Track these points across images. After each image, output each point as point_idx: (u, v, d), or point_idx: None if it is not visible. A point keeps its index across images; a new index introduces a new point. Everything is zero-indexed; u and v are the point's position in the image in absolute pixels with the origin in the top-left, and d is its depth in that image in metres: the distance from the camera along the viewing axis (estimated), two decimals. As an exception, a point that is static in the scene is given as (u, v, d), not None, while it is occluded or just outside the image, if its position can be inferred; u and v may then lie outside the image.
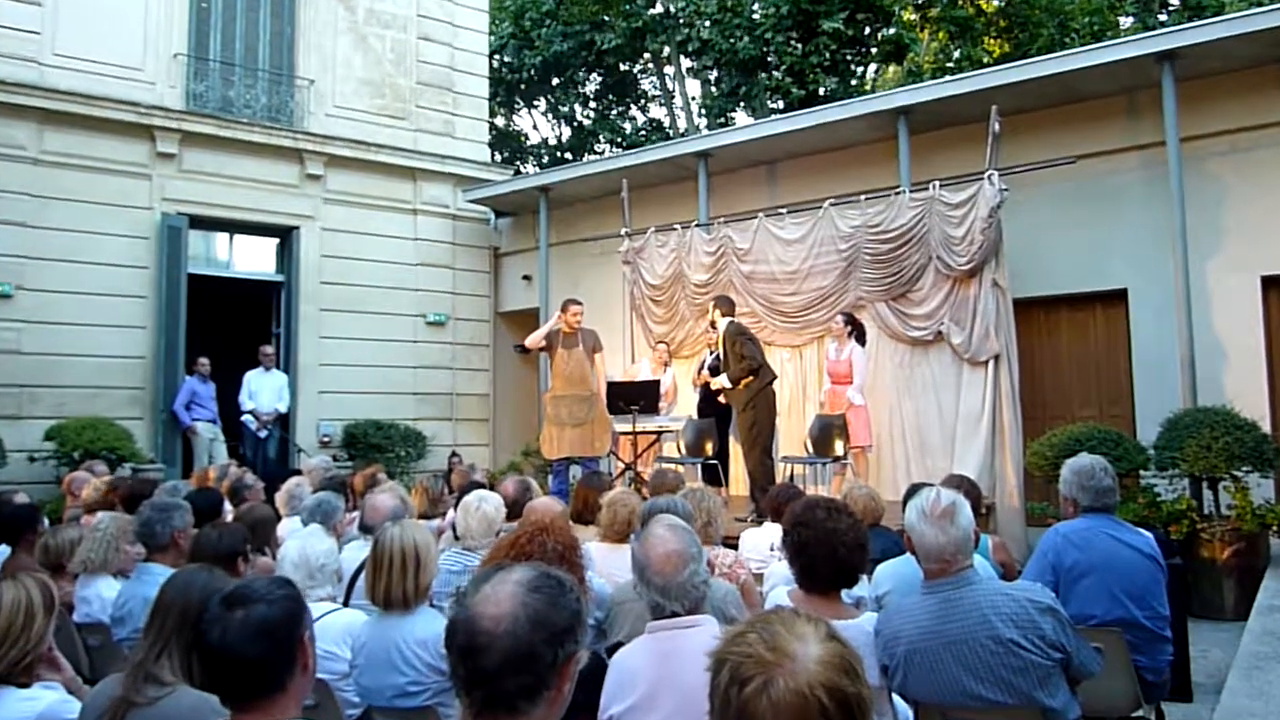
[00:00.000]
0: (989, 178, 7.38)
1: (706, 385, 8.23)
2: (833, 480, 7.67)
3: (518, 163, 21.15)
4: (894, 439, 8.07)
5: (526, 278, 12.41)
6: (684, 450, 8.26)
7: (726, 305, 7.19)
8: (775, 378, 7.22)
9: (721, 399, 7.27)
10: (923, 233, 7.83)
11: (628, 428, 7.88)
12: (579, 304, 7.67)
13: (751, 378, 6.86)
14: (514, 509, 4.18)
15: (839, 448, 7.42)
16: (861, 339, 7.85)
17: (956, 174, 7.97)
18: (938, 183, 7.80)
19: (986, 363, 7.49)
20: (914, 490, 3.09)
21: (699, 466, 7.96)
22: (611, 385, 7.91)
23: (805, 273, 8.56)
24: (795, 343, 8.81)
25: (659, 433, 8.40)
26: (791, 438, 8.59)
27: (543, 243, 11.44)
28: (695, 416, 8.58)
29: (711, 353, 8.52)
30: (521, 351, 13.13)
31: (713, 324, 7.30)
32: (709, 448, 8.08)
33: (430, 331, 11.99)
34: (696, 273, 9.34)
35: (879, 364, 8.22)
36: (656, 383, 8.41)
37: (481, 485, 5.10)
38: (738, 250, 9.03)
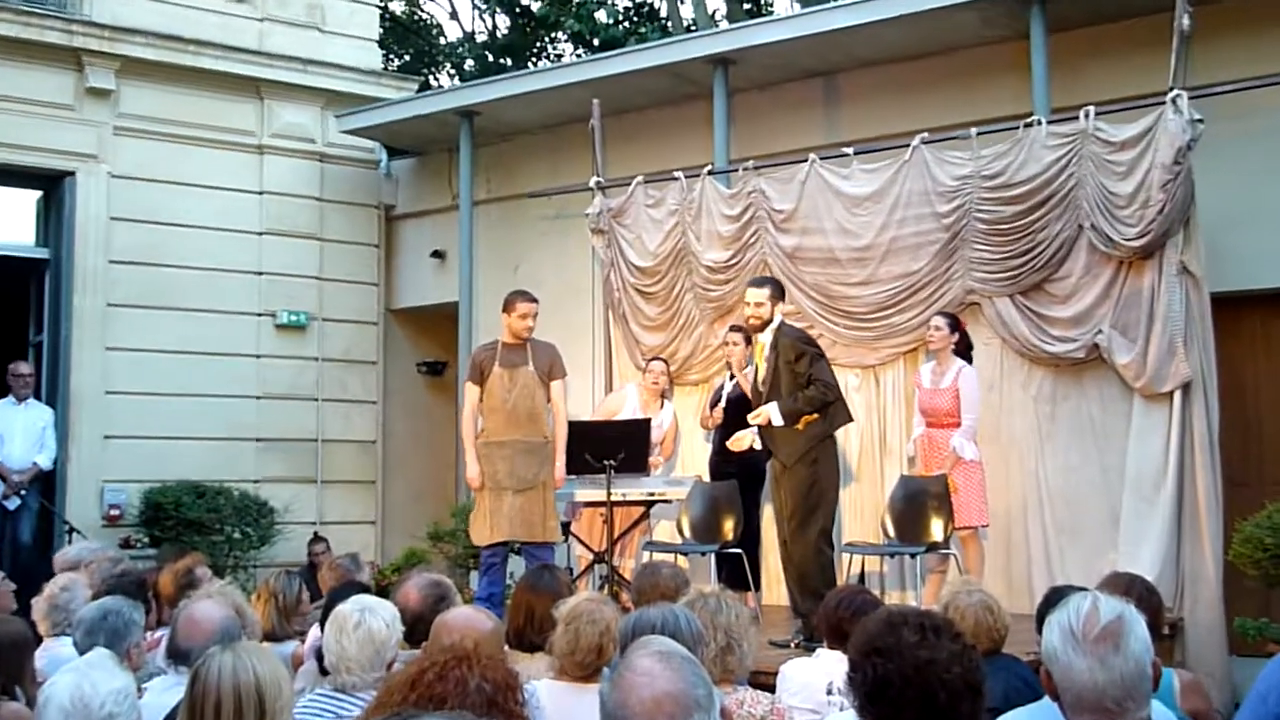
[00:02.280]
0: (1173, 101, 7.45)
1: (725, 428, 8.24)
2: (928, 582, 7.69)
3: (426, 72, 21.18)
4: (1025, 515, 8.11)
5: (438, 254, 12.47)
6: (689, 532, 8.29)
7: (777, 291, 7.25)
8: (850, 421, 7.26)
9: (750, 444, 7.27)
10: (1069, 188, 7.87)
11: (599, 495, 7.88)
12: (531, 301, 7.70)
13: (817, 415, 6.90)
14: (417, 626, 4.18)
15: (937, 529, 7.45)
16: (968, 355, 7.91)
17: (1121, 96, 8.04)
18: (1092, 109, 7.86)
19: (1171, 395, 7.55)
20: (1056, 597, 3.04)
21: (713, 558, 7.97)
22: (577, 427, 7.87)
23: (883, 249, 8.61)
24: (867, 361, 8.86)
25: (650, 503, 8.43)
26: (860, 513, 8.62)
27: (465, 199, 11.50)
28: (707, 477, 8.59)
29: (733, 375, 8.60)
30: (430, 373, 13.16)
31: (751, 326, 7.28)
32: (729, 528, 8.12)
33: (283, 340, 11.99)
34: (710, 249, 9.38)
35: (1002, 396, 8.24)
36: (646, 423, 8.46)
37: (365, 588, 5.08)
38: (775, 213, 9.07)
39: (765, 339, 7.09)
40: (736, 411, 8.28)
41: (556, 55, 21.83)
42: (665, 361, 9.21)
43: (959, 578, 6.91)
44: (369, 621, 3.82)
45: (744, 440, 7.32)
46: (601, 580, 8.12)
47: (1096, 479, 7.88)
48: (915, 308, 8.51)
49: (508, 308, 7.67)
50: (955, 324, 7.90)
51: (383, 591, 5.15)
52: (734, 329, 8.62)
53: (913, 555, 7.56)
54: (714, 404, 8.67)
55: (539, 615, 4.45)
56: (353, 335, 12.45)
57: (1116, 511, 7.70)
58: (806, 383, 6.88)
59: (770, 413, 6.97)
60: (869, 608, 4.21)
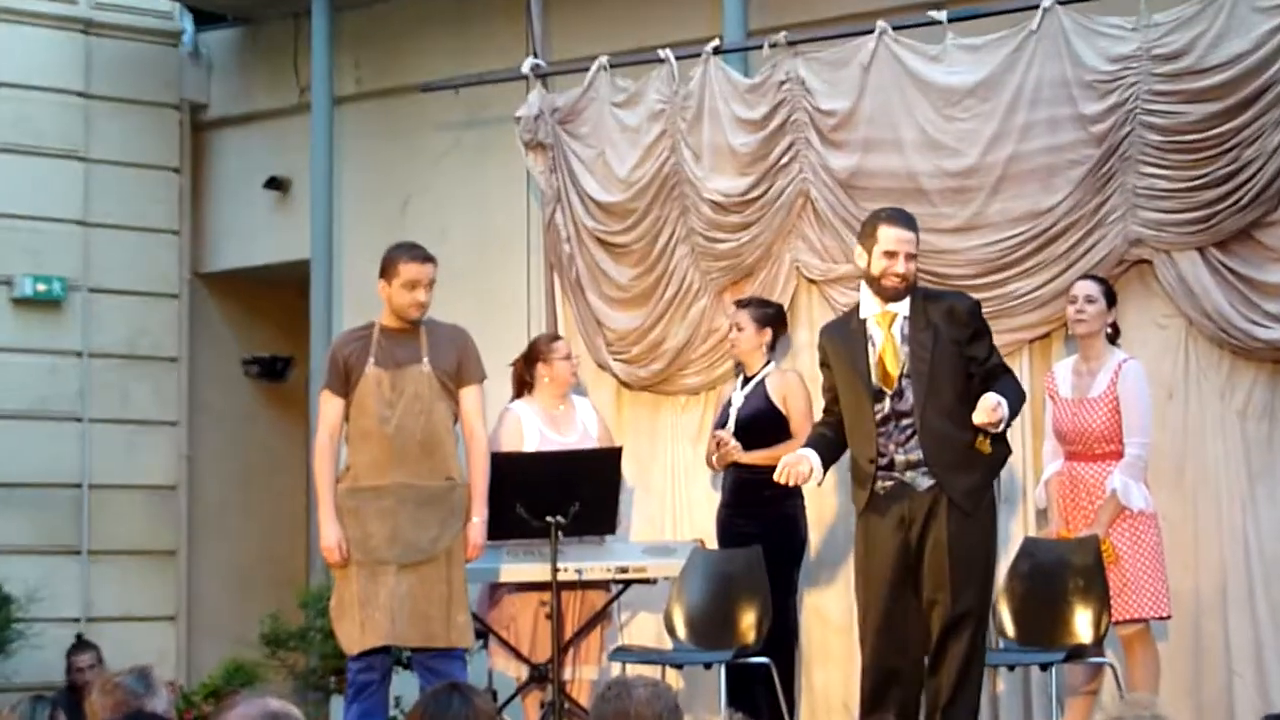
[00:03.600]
0: None
1: (739, 468, 8.34)
2: (1068, 710, 7.71)
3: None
4: (1225, 601, 8.11)
5: (277, 184, 12.47)
6: (685, 631, 8.29)
7: (907, 224, 7.08)
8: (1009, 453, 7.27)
9: (808, 474, 7.09)
10: (1294, 75, 7.97)
11: (540, 573, 7.99)
12: (425, 261, 7.69)
13: (988, 438, 6.81)
14: None
15: (1083, 625, 7.45)
16: (1115, 341, 7.98)
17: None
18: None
19: None
20: None
21: (722, 673, 7.93)
22: (505, 462, 7.96)
23: (996, 174, 8.66)
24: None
25: (621, 585, 8.51)
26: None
27: (320, 95, 11.53)
28: (713, 542, 8.67)
29: (746, 379, 8.68)
30: (265, 376, 13.12)
31: (890, 288, 7.00)
32: (749, 624, 8.10)
33: (24, 324, 12.00)
34: (718, 173, 9.43)
35: (1188, 410, 8.28)
36: (616, 452, 8.50)
37: None
38: (821, 115, 9.11)
39: (900, 309, 7.00)
40: (751, 438, 8.36)
41: None
42: (562, 337, 9.36)
43: (1118, 699, 6.90)
44: None
45: (796, 467, 7.09)
46: (543, 710, 8.10)
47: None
48: (1048, 268, 8.54)
49: (388, 271, 7.65)
50: (1113, 296, 7.93)
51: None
52: (742, 304, 8.70)
53: (1044, 667, 7.50)
54: (719, 426, 8.70)
55: None
56: (139, 315, 12.43)
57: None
58: (997, 371, 6.88)
59: (990, 405, 6.67)
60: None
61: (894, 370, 6.94)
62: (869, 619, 7.03)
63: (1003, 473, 8.57)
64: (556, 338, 9.25)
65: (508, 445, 8.84)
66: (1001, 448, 6.96)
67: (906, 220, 7.10)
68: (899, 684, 6.88)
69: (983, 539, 6.89)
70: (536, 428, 8.82)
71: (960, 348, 6.89)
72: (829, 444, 7.09)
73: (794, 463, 7.03)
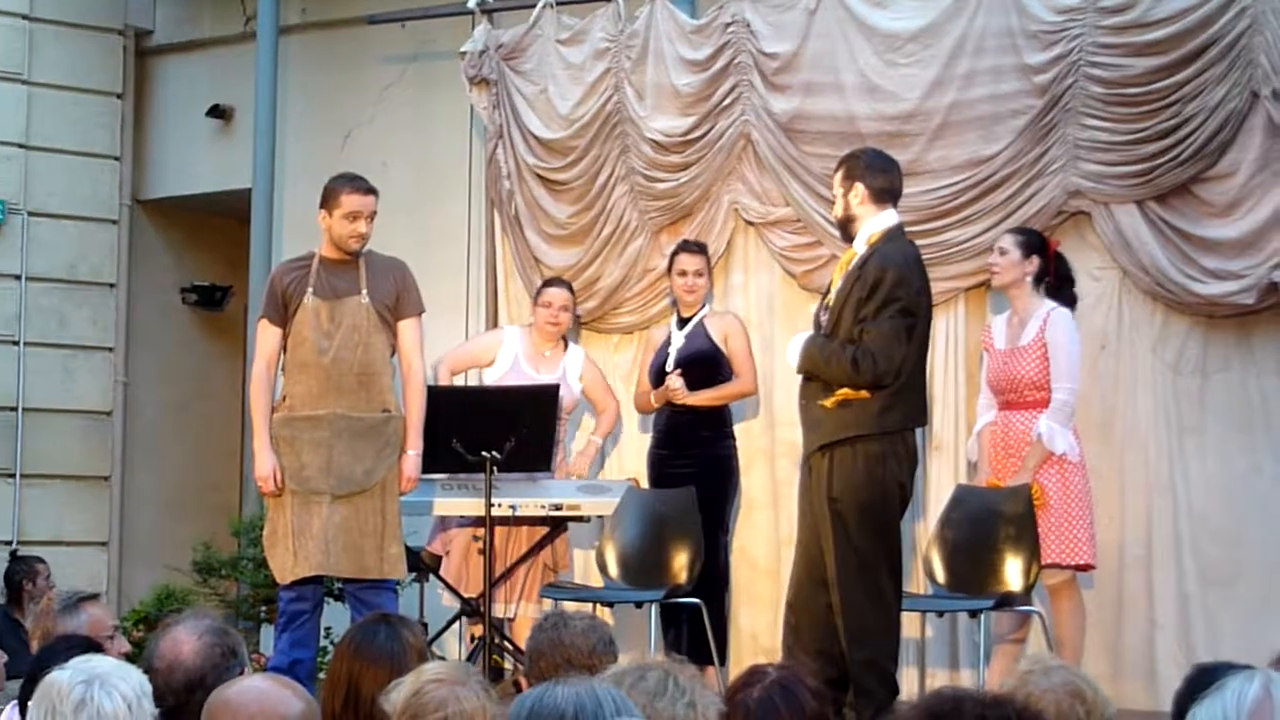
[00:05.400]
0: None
1: (674, 409, 8.39)
2: (995, 656, 7.73)
3: None
4: (1151, 554, 8.18)
5: (220, 113, 12.35)
6: (618, 570, 8.32)
7: (883, 169, 7.12)
8: (921, 424, 7.24)
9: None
10: (1237, 31, 7.95)
11: (474, 507, 8.01)
12: (367, 192, 7.65)
13: (864, 394, 6.78)
14: (193, 698, 4.15)
15: (1013, 572, 7.46)
16: (1068, 295, 7.98)
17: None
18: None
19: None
20: (1205, 681, 3.22)
21: (654, 612, 8.01)
22: (442, 396, 7.97)
23: (937, 120, 8.69)
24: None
25: (554, 521, 8.52)
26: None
27: (266, 25, 11.39)
28: (645, 482, 8.69)
29: (684, 321, 8.68)
30: (204, 304, 13.05)
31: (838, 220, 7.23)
32: (682, 564, 8.14)
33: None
34: (661, 113, 9.42)
35: (1120, 361, 8.35)
36: (553, 390, 8.46)
37: (94, 646, 5.02)
38: (765, 58, 9.12)
39: (859, 248, 7.04)
40: (691, 379, 8.38)
41: None
42: (569, 287, 9.20)
43: (1042, 651, 6.96)
44: (99, 700, 3.71)
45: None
46: (474, 643, 8.12)
47: (1268, 496, 7.99)
48: (986, 217, 8.57)
49: (329, 202, 7.61)
50: (1035, 245, 7.93)
51: (133, 654, 5.14)
52: (689, 246, 8.70)
53: (973, 614, 7.53)
54: (656, 371, 8.71)
55: (368, 696, 4.38)
56: (77, 240, 12.30)
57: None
58: (859, 335, 6.82)
59: (791, 348, 6.95)
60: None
61: (827, 303, 7.10)
62: (794, 561, 7.19)
63: (937, 420, 8.68)
64: (553, 283, 9.18)
65: (474, 350, 9.19)
66: (864, 411, 6.82)
67: (853, 159, 7.23)
68: (818, 624, 6.92)
69: (865, 489, 6.82)
70: (515, 353, 8.88)
71: (859, 306, 6.87)
72: None
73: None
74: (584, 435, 9.21)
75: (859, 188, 7.02)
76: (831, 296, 7.07)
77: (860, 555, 6.79)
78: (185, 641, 4.42)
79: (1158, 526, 8.17)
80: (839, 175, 7.13)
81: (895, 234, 7.02)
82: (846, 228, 7.12)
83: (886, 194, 7.06)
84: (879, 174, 7.10)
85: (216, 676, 4.23)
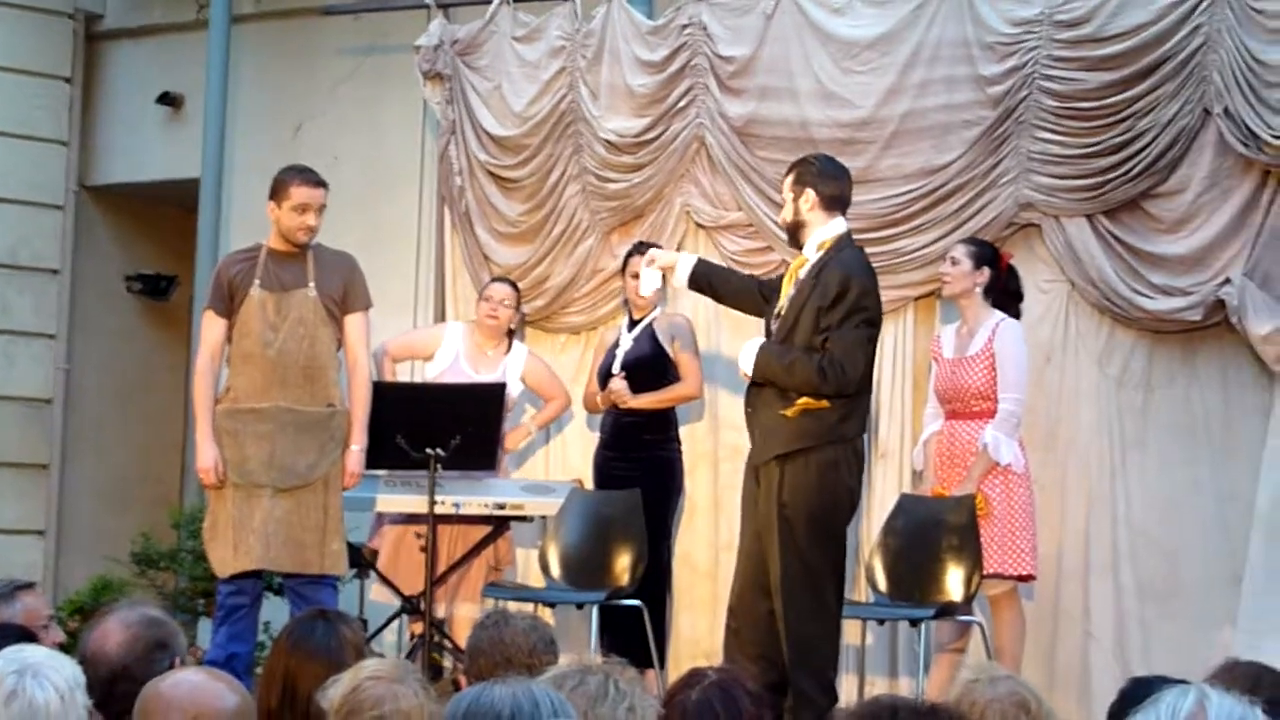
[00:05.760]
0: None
1: (619, 411, 8.42)
2: (935, 665, 7.74)
3: None
4: (1088, 566, 8.19)
5: (170, 100, 12.26)
6: (560, 570, 8.32)
7: (834, 176, 7.16)
8: (860, 432, 7.18)
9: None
10: (1191, 49, 7.97)
11: (417, 504, 8.01)
12: (316, 185, 7.65)
13: (825, 404, 6.80)
14: (116, 689, 4.13)
15: (954, 582, 7.50)
16: (1015, 306, 8.00)
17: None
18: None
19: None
20: (1139, 694, 3.22)
21: (595, 614, 7.99)
22: (387, 392, 7.97)
23: (890, 128, 8.67)
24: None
25: (497, 520, 8.50)
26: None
27: (219, 13, 11.32)
28: (590, 483, 8.70)
29: (634, 322, 8.69)
30: (149, 293, 12.99)
31: (795, 225, 7.20)
32: (624, 566, 8.16)
33: (-97, 230, 11.77)
34: (615, 113, 9.41)
35: (1064, 374, 8.35)
36: (499, 389, 8.46)
37: (29, 636, 5.00)
38: (721, 61, 9.10)
39: (810, 255, 7.06)
40: (637, 381, 8.40)
41: None
42: (514, 285, 9.18)
43: (983, 660, 6.96)
44: (31, 691, 3.66)
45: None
46: (414, 641, 8.10)
47: (1208, 512, 7.99)
48: (937, 227, 8.58)
49: (278, 193, 7.60)
50: (987, 257, 7.94)
51: (68, 645, 5.14)
52: (640, 247, 8.58)
53: (914, 622, 7.52)
54: (604, 373, 8.72)
55: (305, 693, 4.37)
56: (21, 225, 12.15)
57: (1238, 564, 7.80)
58: (822, 344, 6.81)
59: (745, 354, 6.96)
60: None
61: (779, 312, 7.11)
62: (737, 566, 7.23)
63: (882, 428, 8.72)
64: (500, 281, 9.16)
65: (415, 341, 9.24)
66: (824, 421, 6.85)
67: (805, 164, 7.28)
68: (759, 630, 6.95)
69: (817, 496, 6.86)
70: (456, 351, 8.87)
71: (821, 311, 6.88)
72: (728, 274, 7.74)
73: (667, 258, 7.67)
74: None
75: (810, 194, 7.05)
76: (783, 303, 7.07)
77: (805, 563, 6.82)
78: (113, 633, 4.40)
79: (1096, 539, 8.19)
80: (790, 180, 7.15)
81: (845, 242, 7.06)
82: (795, 233, 7.17)
83: (836, 201, 7.10)
84: (830, 181, 7.13)
85: (142, 670, 4.19)
